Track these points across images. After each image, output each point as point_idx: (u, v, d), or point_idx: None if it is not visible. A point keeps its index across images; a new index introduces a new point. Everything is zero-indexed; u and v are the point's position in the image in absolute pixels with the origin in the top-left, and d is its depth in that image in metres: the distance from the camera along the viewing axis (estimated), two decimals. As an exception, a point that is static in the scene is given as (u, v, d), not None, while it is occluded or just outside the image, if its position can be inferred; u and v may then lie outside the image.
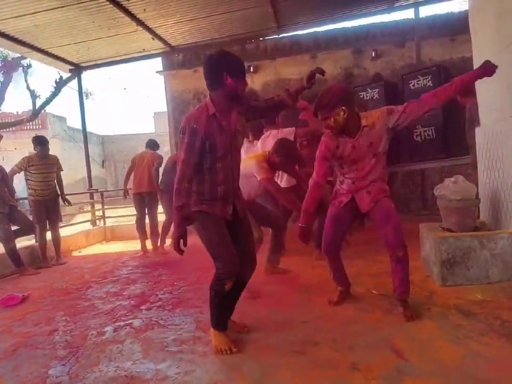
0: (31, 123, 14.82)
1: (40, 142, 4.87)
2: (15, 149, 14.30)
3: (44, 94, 10.69)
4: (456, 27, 6.31)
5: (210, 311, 2.25)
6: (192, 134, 2.05)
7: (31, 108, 10.98)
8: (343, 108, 2.34)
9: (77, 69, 7.22)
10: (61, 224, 5.46)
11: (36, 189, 4.86)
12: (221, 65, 2.07)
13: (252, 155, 3.63)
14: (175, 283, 3.69)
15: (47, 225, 5.01)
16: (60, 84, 9.44)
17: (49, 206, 4.96)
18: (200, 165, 2.12)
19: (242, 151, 4.64)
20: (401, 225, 2.42)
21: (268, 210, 3.61)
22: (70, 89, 9.57)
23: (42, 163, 4.88)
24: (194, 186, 2.15)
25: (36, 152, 4.89)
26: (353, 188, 2.53)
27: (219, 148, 2.09)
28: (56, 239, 5.12)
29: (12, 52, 8.47)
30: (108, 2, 4.83)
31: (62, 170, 5.16)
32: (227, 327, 2.26)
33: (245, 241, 2.31)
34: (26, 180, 4.85)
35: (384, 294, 2.82)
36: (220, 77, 2.05)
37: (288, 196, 3.48)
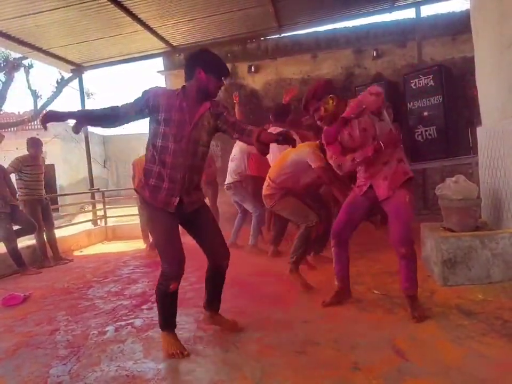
0: (32, 123, 14.82)
1: (36, 143, 4.98)
2: (17, 148, 14.26)
3: (45, 94, 10.66)
4: (457, 27, 6.30)
5: (158, 311, 2.26)
6: (144, 96, 2.17)
7: (33, 108, 11.00)
8: (331, 96, 2.44)
9: (78, 69, 7.22)
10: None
11: (33, 188, 4.91)
12: (197, 60, 2.20)
13: (302, 144, 3.56)
14: (176, 283, 3.69)
15: (43, 225, 5.03)
16: (61, 84, 9.46)
17: (43, 206, 5.02)
18: (154, 141, 2.16)
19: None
20: (411, 221, 2.40)
21: (308, 201, 3.64)
22: (72, 89, 9.58)
23: (36, 163, 4.98)
24: (147, 163, 2.21)
25: (30, 153, 4.93)
26: (368, 175, 2.52)
27: (173, 125, 2.12)
28: (53, 240, 5.14)
29: (14, 52, 8.47)
30: (109, 3, 4.84)
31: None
32: (174, 327, 2.25)
33: (211, 233, 2.33)
34: (20, 179, 4.86)
35: (385, 294, 2.82)
36: (194, 70, 2.17)
37: (342, 186, 3.38)
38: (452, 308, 2.51)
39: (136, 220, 7.48)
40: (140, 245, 5.89)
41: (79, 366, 2.15)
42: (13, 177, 4.89)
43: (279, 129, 4.31)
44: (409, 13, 7.02)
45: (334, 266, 2.74)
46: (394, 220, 2.41)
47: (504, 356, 1.89)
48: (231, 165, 4.70)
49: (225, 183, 4.69)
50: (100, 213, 7.47)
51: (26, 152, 4.99)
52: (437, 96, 5.51)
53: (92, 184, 7.62)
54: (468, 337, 2.09)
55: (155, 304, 3.09)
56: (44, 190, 5.11)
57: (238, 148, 4.67)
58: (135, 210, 5.89)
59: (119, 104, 2.20)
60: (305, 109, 2.58)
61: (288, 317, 2.59)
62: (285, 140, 2.05)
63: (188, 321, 2.68)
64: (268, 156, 4.21)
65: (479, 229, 3.07)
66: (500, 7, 3.13)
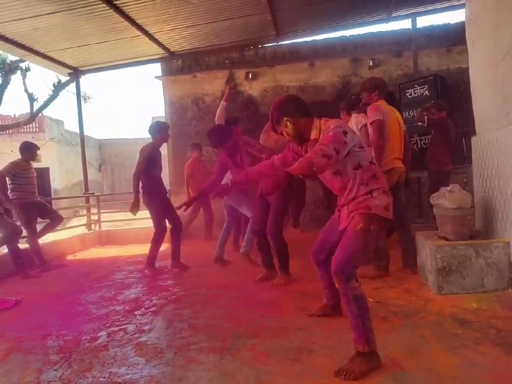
0: (28, 126, 14.77)
1: (30, 147, 4.99)
2: (12, 151, 14.23)
3: (41, 97, 10.66)
4: (453, 38, 6.40)
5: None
6: None
7: (29, 111, 10.95)
8: (286, 119, 2.17)
9: (75, 73, 7.23)
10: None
11: (30, 191, 4.91)
12: None
13: None
14: (170, 288, 3.67)
15: (36, 229, 5.01)
16: (58, 88, 9.44)
17: (41, 206, 5.03)
18: None
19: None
20: (353, 251, 1.99)
21: None
22: (68, 92, 9.57)
23: (30, 167, 5.00)
24: None
25: (24, 157, 4.93)
26: (340, 202, 2.26)
27: None
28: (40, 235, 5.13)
29: (11, 55, 8.45)
30: (108, 7, 4.86)
31: None
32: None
33: None
34: (15, 183, 4.82)
35: (380, 302, 2.82)
36: None
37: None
38: (446, 316, 2.52)
39: (130, 225, 7.46)
40: (133, 249, 5.86)
41: (71, 372, 2.12)
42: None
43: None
44: (405, 24, 7.14)
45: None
46: (338, 247, 2.09)
47: (498, 365, 1.89)
48: None
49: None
50: (94, 217, 7.42)
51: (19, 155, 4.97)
52: (432, 106, 5.56)
53: (86, 188, 7.58)
54: (462, 346, 2.09)
55: (148, 310, 3.10)
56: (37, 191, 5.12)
57: None
58: (129, 215, 5.82)
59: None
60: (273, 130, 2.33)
61: (282, 324, 2.57)
62: None
63: (182, 327, 2.66)
64: None
65: (473, 238, 3.08)
66: (495, 19, 3.18)
